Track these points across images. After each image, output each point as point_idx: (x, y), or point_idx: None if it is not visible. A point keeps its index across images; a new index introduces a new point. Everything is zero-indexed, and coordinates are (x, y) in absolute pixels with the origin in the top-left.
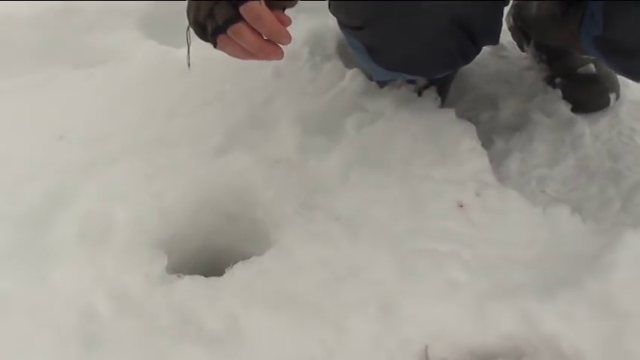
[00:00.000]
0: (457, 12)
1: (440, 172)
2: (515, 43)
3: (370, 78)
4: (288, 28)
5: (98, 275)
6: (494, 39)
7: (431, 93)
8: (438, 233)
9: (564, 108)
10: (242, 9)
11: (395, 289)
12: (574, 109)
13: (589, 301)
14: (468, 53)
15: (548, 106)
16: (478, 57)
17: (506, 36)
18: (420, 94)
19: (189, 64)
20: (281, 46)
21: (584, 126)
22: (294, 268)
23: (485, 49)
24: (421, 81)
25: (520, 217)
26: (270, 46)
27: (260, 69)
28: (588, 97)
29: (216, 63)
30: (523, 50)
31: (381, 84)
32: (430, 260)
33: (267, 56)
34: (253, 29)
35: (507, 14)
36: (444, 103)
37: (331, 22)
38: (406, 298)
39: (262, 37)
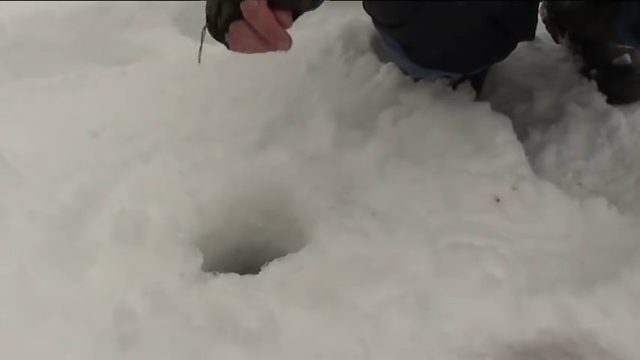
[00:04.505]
0: (492, 9)
1: (475, 165)
2: (550, 35)
3: (405, 72)
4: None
5: (133, 274)
6: (529, 34)
7: (466, 86)
8: (474, 228)
9: (600, 99)
10: (241, 5)
11: (432, 285)
12: (610, 101)
13: (627, 294)
14: (504, 49)
15: (584, 97)
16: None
17: (540, 28)
18: (454, 87)
19: (199, 60)
20: (316, 42)
21: (620, 117)
22: (330, 264)
23: None
24: (456, 75)
25: (557, 210)
26: (269, 46)
27: (295, 64)
28: (624, 87)
29: (251, 59)
30: (558, 42)
31: (416, 78)
32: (467, 255)
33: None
34: (252, 28)
35: (541, 6)
36: (479, 96)
37: (365, 16)
38: (444, 293)
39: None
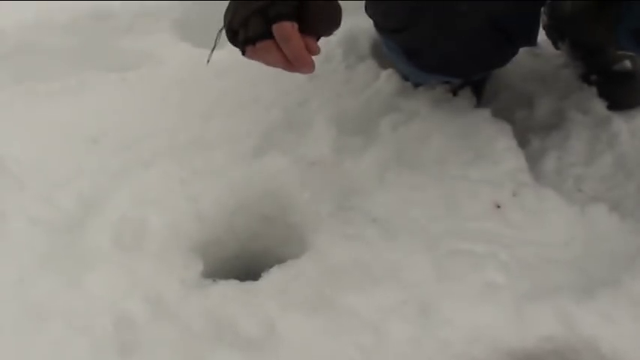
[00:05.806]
0: (494, 14)
1: (476, 172)
2: (550, 41)
3: (405, 78)
4: None
5: (133, 280)
6: (531, 40)
7: (466, 92)
8: (475, 234)
9: (600, 105)
10: (274, 27)
11: (433, 291)
12: (610, 107)
13: (629, 301)
14: (506, 55)
15: (584, 103)
16: None
17: (540, 34)
18: (455, 93)
19: (208, 60)
20: (317, 46)
21: (621, 123)
22: (331, 270)
23: None
24: (456, 81)
25: (557, 217)
26: (292, 68)
27: None
28: (624, 93)
29: (251, 65)
30: (558, 48)
31: (416, 84)
32: (468, 261)
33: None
34: (280, 49)
35: (542, 12)
36: (479, 102)
37: (365, 22)
38: (444, 300)
39: (287, 58)
